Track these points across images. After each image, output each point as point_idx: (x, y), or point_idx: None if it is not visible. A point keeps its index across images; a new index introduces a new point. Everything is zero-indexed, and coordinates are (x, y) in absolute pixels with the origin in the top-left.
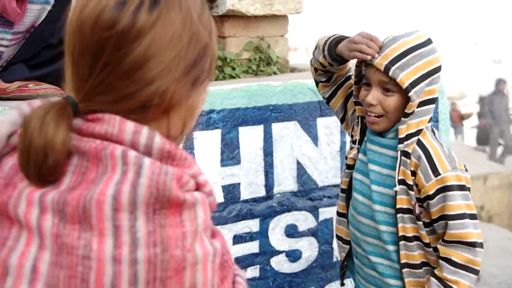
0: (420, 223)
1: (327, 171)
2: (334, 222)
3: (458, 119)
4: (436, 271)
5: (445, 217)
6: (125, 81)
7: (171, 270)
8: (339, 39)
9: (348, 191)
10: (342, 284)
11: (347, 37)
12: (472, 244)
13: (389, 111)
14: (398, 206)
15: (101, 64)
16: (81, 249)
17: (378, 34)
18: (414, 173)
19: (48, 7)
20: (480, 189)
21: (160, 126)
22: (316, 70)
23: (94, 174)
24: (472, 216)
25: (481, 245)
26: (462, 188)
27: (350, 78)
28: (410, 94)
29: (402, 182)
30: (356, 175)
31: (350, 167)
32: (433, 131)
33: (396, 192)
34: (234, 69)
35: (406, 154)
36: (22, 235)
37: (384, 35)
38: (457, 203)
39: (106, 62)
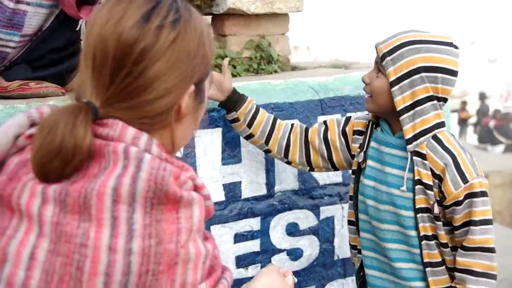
0: (439, 223)
1: None
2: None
3: (461, 120)
4: (459, 286)
5: (470, 223)
6: (144, 90)
7: (163, 264)
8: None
9: (355, 197)
10: None
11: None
12: (491, 250)
13: (374, 92)
14: (417, 206)
15: (123, 74)
16: (79, 237)
17: (378, 34)
18: (439, 177)
19: (56, 11)
20: None
21: (163, 138)
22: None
23: (96, 169)
24: (491, 222)
25: (495, 249)
26: (484, 194)
27: (308, 131)
28: (393, 89)
29: (418, 182)
30: (369, 182)
31: (353, 172)
32: (452, 136)
33: (414, 193)
34: (235, 67)
35: (418, 154)
36: (22, 224)
37: (384, 35)
38: (481, 209)
39: (128, 72)
